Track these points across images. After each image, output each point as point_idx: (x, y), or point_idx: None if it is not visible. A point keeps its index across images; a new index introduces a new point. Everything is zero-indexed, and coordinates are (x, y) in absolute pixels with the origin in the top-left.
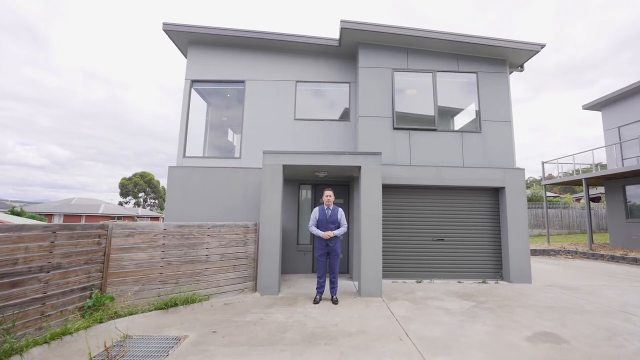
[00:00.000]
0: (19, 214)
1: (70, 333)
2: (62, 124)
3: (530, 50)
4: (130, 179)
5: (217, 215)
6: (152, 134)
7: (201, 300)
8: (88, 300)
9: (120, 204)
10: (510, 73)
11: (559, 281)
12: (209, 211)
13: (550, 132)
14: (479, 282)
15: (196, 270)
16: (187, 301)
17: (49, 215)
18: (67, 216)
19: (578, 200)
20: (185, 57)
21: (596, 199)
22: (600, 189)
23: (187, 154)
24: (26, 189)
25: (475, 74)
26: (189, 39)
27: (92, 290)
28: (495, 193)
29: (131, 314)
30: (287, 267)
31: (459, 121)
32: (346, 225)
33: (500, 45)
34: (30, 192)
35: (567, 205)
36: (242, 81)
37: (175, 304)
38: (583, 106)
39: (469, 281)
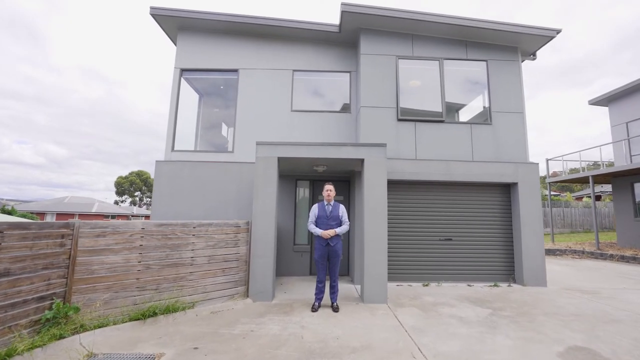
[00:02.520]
0: (9, 213)
1: (20, 353)
2: (59, 122)
3: (544, 36)
4: (126, 177)
5: (207, 213)
6: (151, 133)
7: (185, 308)
8: (47, 311)
9: (116, 202)
10: (522, 62)
11: (575, 284)
12: (199, 208)
13: (550, 131)
14: (491, 286)
15: (180, 275)
16: (169, 310)
17: (41, 214)
18: (60, 215)
19: (578, 199)
20: (175, 44)
21: (597, 197)
22: (603, 187)
23: (176, 148)
24: (22, 188)
25: (485, 62)
26: (178, 24)
27: (53, 299)
28: (507, 189)
29: (101, 327)
30: (283, 270)
31: (469, 113)
32: (348, 223)
33: (512, 31)
34: (27, 191)
35: (568, 204)
36: (236, 70)
37: (154, 314)
38: (589, 101)
39: (480, 284)
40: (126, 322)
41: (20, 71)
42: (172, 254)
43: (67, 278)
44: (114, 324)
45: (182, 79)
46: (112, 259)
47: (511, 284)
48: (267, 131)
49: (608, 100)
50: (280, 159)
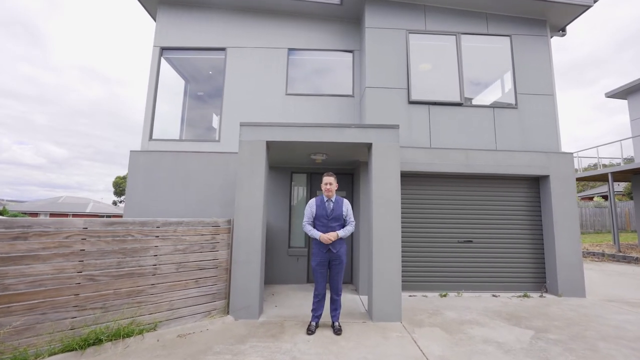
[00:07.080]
0: (0, 213)
1: None
2: (59, 122)
3: (578, 6)
4: (124, 177)
5: (189, 210)
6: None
7: (142, 331)
8: None
9: (115, 203)
10: (550, 38)
11: (614, 293)
12: (179, 205)
13: None
14: (520, 296)
15: (137, 288)
16: (119, 334)
17: (34, 214)
18: (53, 215)
19: (583, 199)
20: (155, 20)
21: (605, 197)
22: (619, 186)
23: (154, 137)
24: (23, 188)
25: (508, 38)
26: None
27: None
28: (536, 183)
29: None
30: (276, 277)
31: (491, 95)
32: (354, 223)
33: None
34: (27, 191)
35: (577, 203)
36: (223, 49)
37: (99, 340)
38: (606, 94)
39: (507, 294)
40: (56, 353)
41: (19, 70)
42: (128, 261)
43: None
44: (37, 357)
45: (162, 58)
46: (38, 269)
47: (544, 294)
48: (258, 117)
49: (626, 92)
50: (269, 144)
